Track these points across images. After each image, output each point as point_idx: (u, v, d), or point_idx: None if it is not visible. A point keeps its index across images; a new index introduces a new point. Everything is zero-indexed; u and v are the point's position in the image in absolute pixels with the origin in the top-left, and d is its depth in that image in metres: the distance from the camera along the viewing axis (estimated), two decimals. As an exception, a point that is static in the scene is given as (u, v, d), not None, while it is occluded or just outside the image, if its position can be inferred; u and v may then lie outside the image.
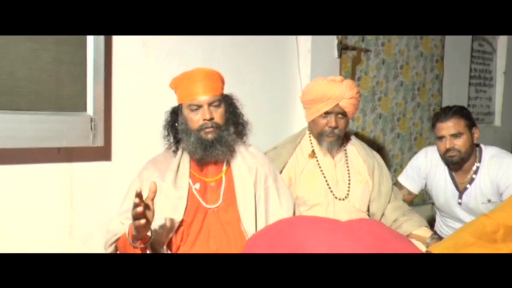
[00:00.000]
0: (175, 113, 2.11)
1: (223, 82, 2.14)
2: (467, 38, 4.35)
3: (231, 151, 2.10)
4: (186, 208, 1.99)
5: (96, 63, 2.18)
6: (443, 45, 4.03)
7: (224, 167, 2.12)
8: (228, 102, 2.12)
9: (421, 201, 3.78)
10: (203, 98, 2.01)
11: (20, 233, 2.19)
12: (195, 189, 2.05)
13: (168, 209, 1.96)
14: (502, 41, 4.80)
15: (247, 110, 2.82)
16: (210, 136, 2.02)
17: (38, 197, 2.23)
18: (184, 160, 2.08)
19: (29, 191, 2.20)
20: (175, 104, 2.12)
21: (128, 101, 2.43)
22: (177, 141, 2.10)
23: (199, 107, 2.02)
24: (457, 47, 4.20)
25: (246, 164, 2.12)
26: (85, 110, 2.19)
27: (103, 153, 2.37)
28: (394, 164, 3.73)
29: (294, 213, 2.17)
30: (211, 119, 2.01)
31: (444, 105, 3.71)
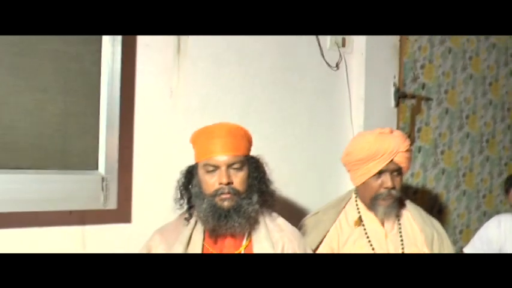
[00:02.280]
0: (191, 173, 1.75)
1: (249, 141, 1.76)
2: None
3: (251, 224, 1.69)
4: None
5: (109, 114, 1.85)
6: (515, 92, 3.47)
7: (244, 241, 1.71)
8: (252, 166, 1.72)
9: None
10: (221, 158, 1.65)
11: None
12: None
13: None
14: None
15: (292, 164, 2.48)
16: (226, 204, 1.64)
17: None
18: (197, 231, 1.71)
19: (36, 257, 1.86)
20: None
21: (151, 158, 2.07)
22: (191, 207, 1.73)
23: (216, 168, 1.65)
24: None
25: (270, 238, 1.70)
26: (96, 168, 1.84)
27: (121, 214, 2.01)
28: (459, 225, 3.17)
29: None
30: (229, 183, 1.64)
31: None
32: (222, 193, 1.64)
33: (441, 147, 3.07)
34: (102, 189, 1.85)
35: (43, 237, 1.88)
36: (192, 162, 1.81)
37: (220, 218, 1.64)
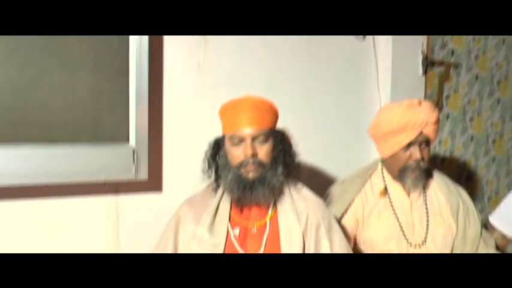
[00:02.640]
0: (218, 145, 1.77)
1: (275, 115, 1.75)
2: None
3: (276, 194, 1.71)
4: None
5: (138, 90, 1.89)
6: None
7: (270, 211, 1.72)
8: (277, 138, 1.72)
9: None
10: (247, 131, 1.65)
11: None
12: (234, 235, 1.69)
13: None
14: None
15: (318, 136, 2.48)
16: (251, 175, 1.65)
17: (83, 231, 1.97)
18: (225, 201, 1.73)
19: (74, 225, 1.95)
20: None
21: (180, 130, 2.11)
22: (218, 178, 1.75)
23: (241, 140, 1.66)
24: None
25: (296, 208, 1.72)
26: (127, 141, 1.90)
27: (152, 185, 2.07)
28: (488, 192, 3.13)
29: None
30: (254, 155, 1.65)
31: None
32: (247, 165, 1.65)
33: (470, 113, 3.01)
34: (134, 161, 1.91)
35: (81, 207, 1.95)
36: (219, 134, 1.82)
37: (245, 189, 1.66)
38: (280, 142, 1.73)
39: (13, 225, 1.86)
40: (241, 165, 1.66)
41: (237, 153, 1.67)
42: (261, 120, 1.68)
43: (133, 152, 1.91)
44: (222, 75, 2.19)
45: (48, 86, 1.75)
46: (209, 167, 1.78)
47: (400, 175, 1.97)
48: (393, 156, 1.96)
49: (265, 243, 1.68)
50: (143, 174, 1.94)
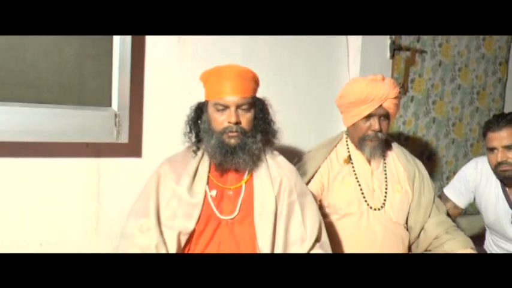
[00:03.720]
0: (200, 109, 1.81)
1: (257, 83, 1.81)
2: (536, 41, 3.79)
3: (254, 160, 1.76)
4: (199, 216, 1.69)
5: (122, 57, 1.94)
6: (509, 47, 3.51)
7: (246, 176, 1.78)
8: (259, 107, 1.78)
9: (475, 211, 3.30)
10: (231, 99, 1.69)
11: (46, 227, 2.01)
12: (211, 196, 1.74)
13: (180, 216, 1.68)
14: None
15: (288, 110, 2.57)
16: (233, 141, 1.70)
17: (64, 191, 2.03)
18: (204, 163, 1.78)
19: (56, 185, 2.01)
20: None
21: (160, 98, 2.19)
22: (199, 141, 1.80)
23: (225, 107, 1.70)
24: (524, 50, 3.66)
25: (270, 174, 1.78)
26: (110, 105, 1.96)
27: (132, 149, 2.14)
28: (447, 171, 3.28)
29: (320, 234, 1.76)
30: (238, 123, 1.70)
31: (507, 111, 3.20)
32: (230, 131, 1.69)
33: (433, 97, 3.15)
34: (115, 125, 1.97)
35: (64, 167, 2.02)
36: (197, 101, 1.87)
37: (227, 154, 1.70)
38: (261, 111, 1.78)
39: (-3, 180, 1.91)
40: (225, 131, 1.70)
41: (220, 119, 1.71)
42: (245, 88, 1.72)
43: (115, 116, 1.97)
44: (201, 48, 2.26)
45: (37, 47, 1.79)
46: (190, 130, 1.82)
47: (360, 143, 2.09)
48: (355, 126, 2.08)
49: (240, 206, 1.74)
50: (124, 138, 2.00)
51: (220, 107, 1.70)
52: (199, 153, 1.80)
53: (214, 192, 1.75)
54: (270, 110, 1.83)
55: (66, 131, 1.89)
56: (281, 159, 1.87)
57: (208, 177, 1.77)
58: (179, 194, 1.71)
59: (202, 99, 1.84)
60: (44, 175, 1.98)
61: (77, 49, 1.87)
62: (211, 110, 1.74)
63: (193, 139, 1.83)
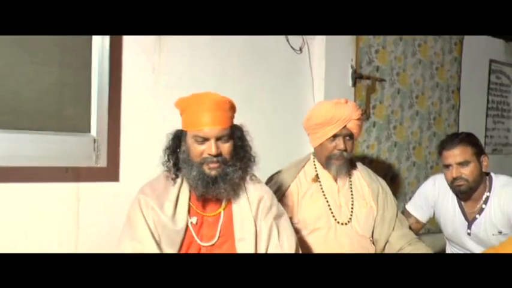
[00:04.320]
0: (178, 138, 1.78)
1: (234, 111, 1.82)
2: (484, 70, 4.05)
3: (235, 189, 1.77)
4: (181, 243, 1.72)
5: (100, 85, 2.03)
6: (459, 76, 3.75)
7: (224, 202, 1.80)
8: (237, 135, 1.78)
9: (437, 229, 3.44)
10: (211, 131, 1.68)
11: (26, 250, 2.02)
12: (191, 223, 1.75)
13: (165, 242, 1.71)
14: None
15: (258, 137, 2.66)
16: (214, 172, 1.70)
17: (44, 216, 2.07)
18: (184, 190, 1.78)
19: (36, 210, 2.04)
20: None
21: (136, 124, 2.27)
22: (178, 169, 1.78)
23: (205, 139, 1.69)
24: (473, 79, 3.90)
25: (248, 197, 1.81)
26: (89, 131, 2.04)
27: (110, 174, 2.20)
28: (409, 192, 3.42)
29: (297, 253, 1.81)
30: (218, 154, 1.70)
31: (462, 135, 3.38)
32: (211, 162, 1.68)
33: (393, 122, 3.32)
34: (94, 149, 2.04)
35: (44, 192, 2.05)
36: (172, 127, 1.87)
37: (209, 185, 1.69)
38: (239, 139, 1.79)
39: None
40: (204, 161, 1.70)
41: (200, 150, 1.70)
42: (224, 119, 1.72)
43: (94, 141, 2.04)
44: (174, 77, 2.37)
45: (20, 76, 1.87)
46: (169, 159, 1.79)
47: (326, 163, 2.20)
48: (321, 146, 2.20)
49: (220, 232, 1.77)
50: (103, 162, 2.06)
51: (200, 139, 1.70)
52: (179, 180, 1.79)
53: (194, 219, 1.76)
54: (248, 137, 1.84)
55: (46, 156, 1.95)
56: (258, 182, 1.89)
57: (189, 205, 1.78)
58: (164, 221, 1.71)
59: (177, 126, 1.86)
60: (24, 199, 2.02)
61: (57, 77, 1.95)
62: (190, 141, 1.73)
63: (172, 168, 1.79)
